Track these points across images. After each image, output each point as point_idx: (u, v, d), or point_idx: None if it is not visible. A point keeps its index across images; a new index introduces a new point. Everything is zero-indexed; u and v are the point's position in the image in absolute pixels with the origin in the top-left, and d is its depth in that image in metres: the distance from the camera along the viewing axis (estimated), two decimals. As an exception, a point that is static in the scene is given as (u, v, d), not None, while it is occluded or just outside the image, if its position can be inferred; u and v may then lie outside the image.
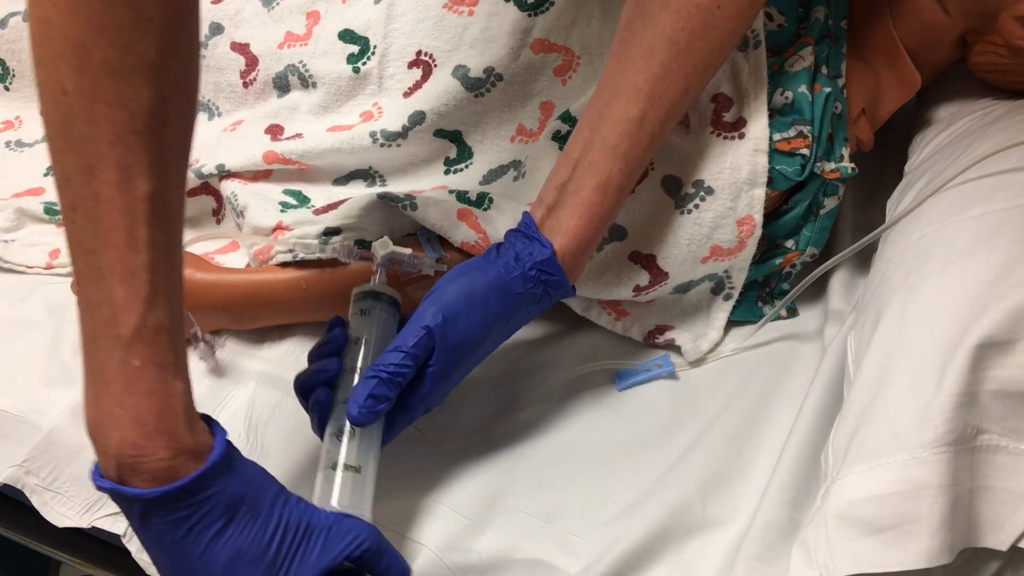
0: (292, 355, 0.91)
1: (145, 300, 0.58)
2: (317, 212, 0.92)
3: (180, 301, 0.61)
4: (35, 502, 0.83)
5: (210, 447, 0.61)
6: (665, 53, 0.75)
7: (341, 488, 0.69)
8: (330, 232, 0.89)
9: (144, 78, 0.55)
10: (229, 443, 0.62)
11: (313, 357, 0.74)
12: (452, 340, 0.71)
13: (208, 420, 0.64)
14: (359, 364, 0.73)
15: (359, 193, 1.00)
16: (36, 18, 0.55)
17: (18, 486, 0.83)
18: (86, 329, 0.59)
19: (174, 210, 0.60)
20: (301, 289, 0.86)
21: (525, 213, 0.78)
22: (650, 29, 0.75)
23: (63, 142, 0.56)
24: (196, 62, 0.61)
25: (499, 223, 0.87)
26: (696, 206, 0.85)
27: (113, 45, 0.54)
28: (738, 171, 0.85)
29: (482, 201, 0.90)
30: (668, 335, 0.93)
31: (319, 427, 0.72)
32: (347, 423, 0.70)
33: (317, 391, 0.72)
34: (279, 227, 0.93)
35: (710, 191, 0.85)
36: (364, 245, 0.89)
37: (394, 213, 0.89)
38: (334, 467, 0.70)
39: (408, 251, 0.79)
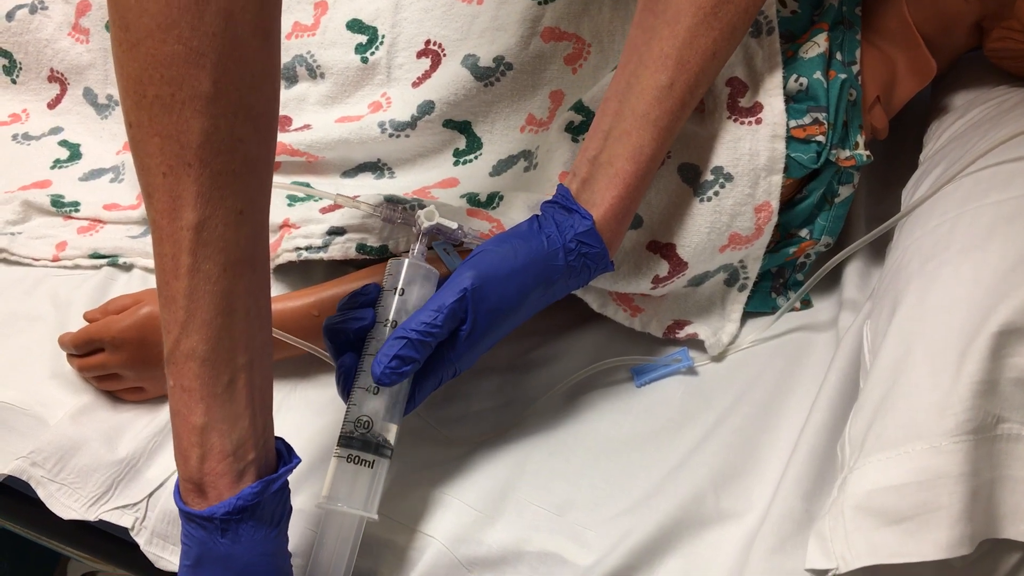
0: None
1: (180, 325, 0.60)
2: (323, 211, 0.91)
3: (232, 328, 0.61)
4: (41, 494, 0.82)
5: (220, 496, 0.61)
6: (690, 18, 0.74)
7: (353, 487, 0.68)
8: (334, 232, 0.88)
9: (196, 111, 0.57)
10: (248, 507, 0.61)
11: (345, 306, 0.73)
12: (487, 306, 0.69)
13: (282, 461, 0.66)
14: (391, 317, 0.71)
15: (367, 184, 1.00)
16: (113, 56, 0.59)
17: (23, 477, 0.82)
18: None
19: (228, 236, 0.60)
20: (313, 316, 0.85)
21: (560, 185, 0.76)
22: None
23: (136, 170, 0.60)
24: (262, 93, 0.61)
25: (512, 214, 0.86)
26: (716, 193, 0.84)
27: (165, 80, 0.56)
28: (756, 157, 0.83)
29: (492, 200, 0.90)
30: (689, 330, 0.92)
31: (344, 393, 0.72)
32: (367, 402, 0.69)
33: (344, 357, 0.71)
34: (286, 224, 0.92)
35: (729, 178, 0.83)
36: (366, 250, 0.88)
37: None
38: (350, 459, 0.69)
39: (455, 224, 0.77)
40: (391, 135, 0.97)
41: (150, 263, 1.00)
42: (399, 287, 0.72)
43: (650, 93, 0.74)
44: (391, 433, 0.70)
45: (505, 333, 0.73)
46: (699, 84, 0.75)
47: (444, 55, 0.96)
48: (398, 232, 0.88)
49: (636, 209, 0.77)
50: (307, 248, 0.89)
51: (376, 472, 0.69)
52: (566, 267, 0.72)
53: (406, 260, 0.73)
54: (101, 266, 1.00)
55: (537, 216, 0.74)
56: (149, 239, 1.00)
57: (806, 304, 0.95)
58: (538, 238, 0.72)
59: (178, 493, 0.63)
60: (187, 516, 0.62)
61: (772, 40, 0.86)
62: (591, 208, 0.74)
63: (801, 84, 0.86)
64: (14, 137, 1.17)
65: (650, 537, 0.73)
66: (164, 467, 0.83)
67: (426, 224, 0.76)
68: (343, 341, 0.72)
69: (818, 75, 0.86)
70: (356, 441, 0.69)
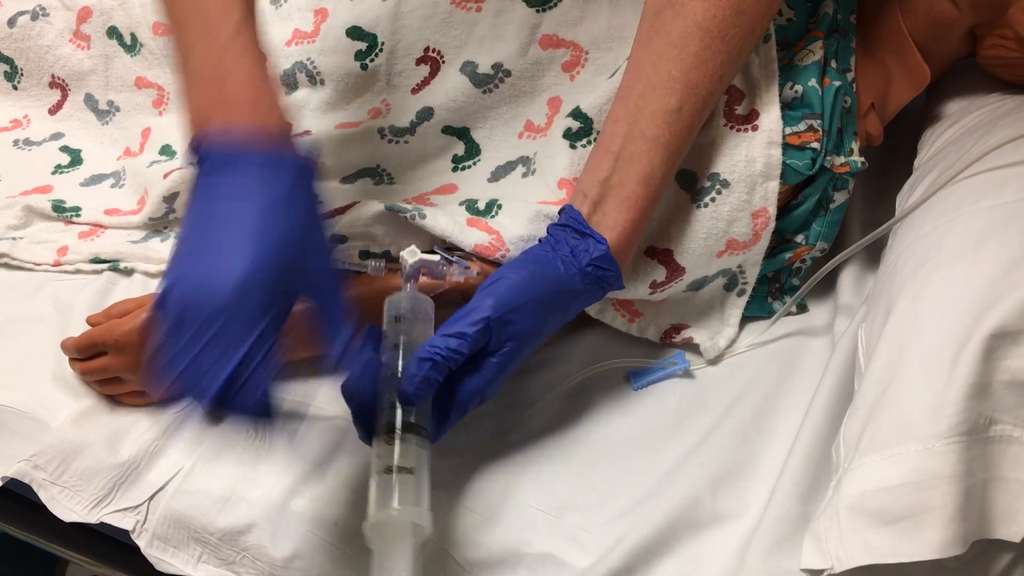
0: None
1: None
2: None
3: None
4: (42, 497, 0.82)
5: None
6: (698, 42, 0.75)
7: (401, 490, 0.66)
8: (335, 239, 0.89)
9: None
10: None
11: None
12: (509, 332, 0.70)
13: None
14: (398, 341, 0.72)
15: (366, 190, 1.01)
16: None
17: (25, 480, 0.83)
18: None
19: None
20: None
21: (569, 207, 0.77)
22: (680, 18, 0.75)
23: None
24: None
25: (510, 226, 0.87)
26: (712, 199, 0.84)
27: None
28: (753, 163, 0.84)
29: (491, 209, 0.90)
30: (685, 334, 0.92)
31: (365, 436, 0.70)
32: (398, 421, 0.68)
33: (356, 401, 0.69)
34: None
35: (726, 184, 0.84)
36: (368, 255, 0.88)
37: (402, 223, 0.88)
38: (389, 471, 0.66)
39: (436, 258, 0.77)
40: (390, 141, 0.97)
41: (151, 268, 1.00)
42: (397, 316, 0.74)
43: (660, 117, 0.75)
44: (423, 465, 0.68)
45: (526, 357, 0.74)
46: (706, 106, 0.77)
47: (443, 62, 0.97)
48: (401, 237, 0.89)
49: (644, 230, 0.78)
50: None
51: (419, 478, 0.67)
52: (583, 292, 0.74)
53: (402, 294, 0.75)
54: (102, 271, 1.01)
55: (550, 239, 0.76)
56: (150, 244, 1.01)
57: (802, 308, 0.96)
58: (554, 264, 0.73)
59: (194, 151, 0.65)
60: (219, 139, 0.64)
61: (768, 48, 0.87)
62: (604, 231, 0.75)
63: (796, 91, 0.87)
64: (15, 143, 1.18)
65: (647, 539, 0.74)
66: (166, 470, 0.83)
67: (410, 262, 0.77)
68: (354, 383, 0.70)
69: (813, 82, 0.86)
70: (392, 455, 0.67)
